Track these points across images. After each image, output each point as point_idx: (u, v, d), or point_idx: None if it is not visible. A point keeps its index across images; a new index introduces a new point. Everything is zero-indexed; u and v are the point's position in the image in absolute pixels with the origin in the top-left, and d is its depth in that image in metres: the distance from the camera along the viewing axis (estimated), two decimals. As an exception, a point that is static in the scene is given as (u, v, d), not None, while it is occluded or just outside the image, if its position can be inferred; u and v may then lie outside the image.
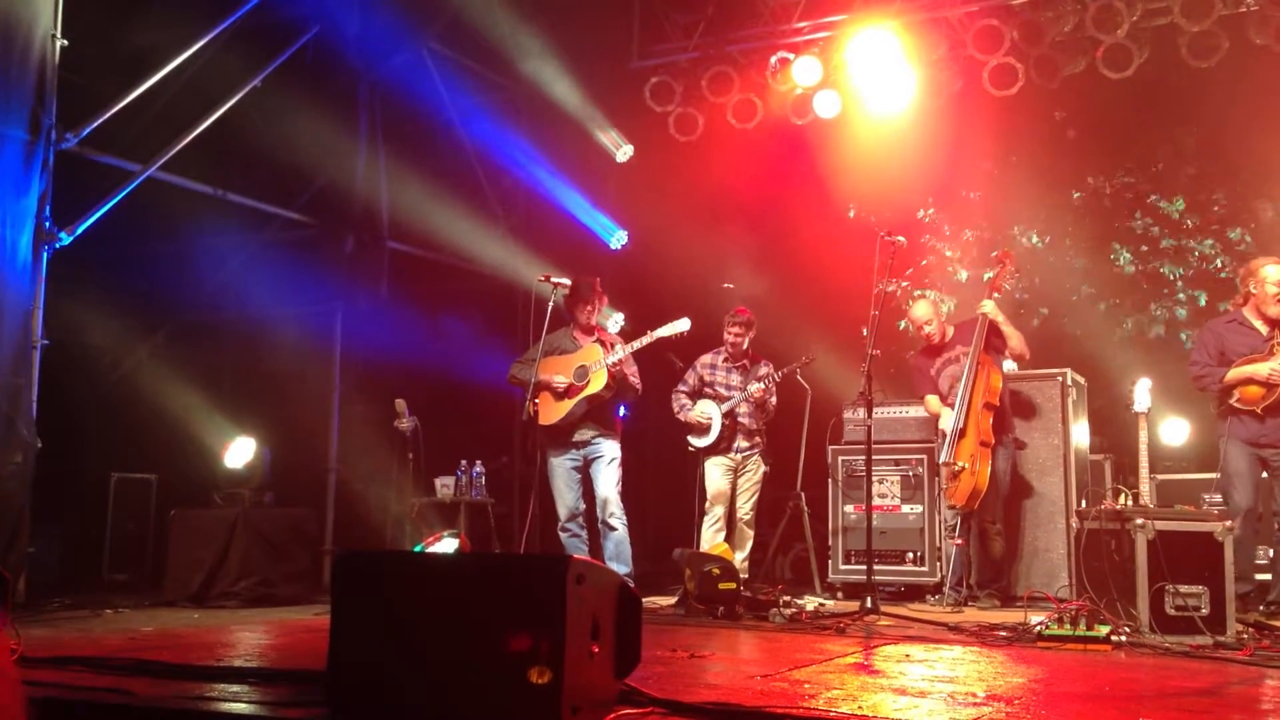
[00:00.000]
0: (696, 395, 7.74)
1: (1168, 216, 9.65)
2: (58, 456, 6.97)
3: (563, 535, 7.17)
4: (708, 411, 7.64)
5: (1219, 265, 9.43)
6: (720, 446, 7.63)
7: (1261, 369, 6.21)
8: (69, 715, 3.23)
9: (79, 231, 6.85)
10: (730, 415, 7.60)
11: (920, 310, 7.45)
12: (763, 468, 7.68)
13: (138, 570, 8.72)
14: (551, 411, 7.09)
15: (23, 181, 6.48)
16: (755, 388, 7.46)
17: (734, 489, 7.67)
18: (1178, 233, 9.62)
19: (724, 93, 9.30)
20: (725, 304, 7.93)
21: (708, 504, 7.68)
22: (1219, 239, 9.52)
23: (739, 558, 7.26)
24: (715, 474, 7.65)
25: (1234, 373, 6.30)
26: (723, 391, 7.68)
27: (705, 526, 7.65)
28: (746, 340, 7.69)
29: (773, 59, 9.16)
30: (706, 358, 7.77)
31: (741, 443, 7.64)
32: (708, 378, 7.73)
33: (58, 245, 6.72)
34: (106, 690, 3.39)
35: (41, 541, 7.04)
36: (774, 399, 7.64)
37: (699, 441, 7.69)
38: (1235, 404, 6.32)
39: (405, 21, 8.99)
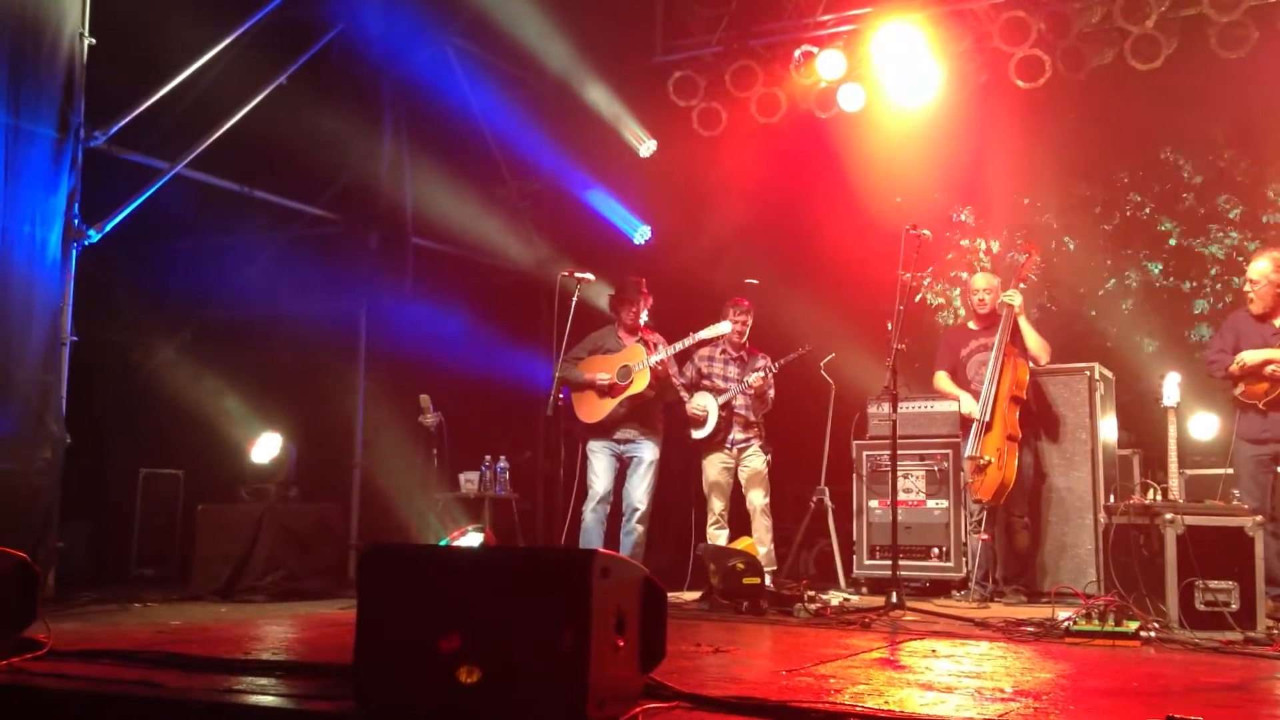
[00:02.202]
0: (694, 388, 7.63)
1: (1199, 210, 9.56)
2: (86, 452, 7.03)
3: (586, 514, 7.18)
4: (703, 404, 7.55)
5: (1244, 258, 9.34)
6: (717, 439, 7.56)
7: (1273, 353, 6.19)
8: (99, 707, 3.26)
9: (107, 229, 6.92)
10: (727, 407, 7.54)
11: (981, 279, 7.47)
12: (764, 457, 7.59)
13: (165, 565, 8.78)
14: (594, 409, 7.10)
15: (52, 179, 6.55)
16: (755, 377, 7.40)
17: (736, 484, 7.62)
18: (1214, 221, 9.52)
19: (748, 87, 9.25)
20: (750, 298, 7.88)
21: (707, 494, 7.64)
22: (1254, 229, 9.42)
23: (761, 551, 7.23)
24: (712, 472, 7.60)
25: (1250, 355, 6.24)
26: (720, 383, 7.60)
27: (709, 525, 7.62)
28: (747, 330, 7.66)
29: (796, 53, 9.10)
30: (705, 350, 7.65)
31: (738, 434, 7.58)
32: (705, 369, 7.65)
33: (86, 243, 6.79)
34: (135, 683, 3.42)
35: (70, 536, 7.09)
36: (772, 390, 7.59)
37: (697, 434, 7.63)
38: (1239, 397, 6.31)
39: (428, 18, 9.01)
